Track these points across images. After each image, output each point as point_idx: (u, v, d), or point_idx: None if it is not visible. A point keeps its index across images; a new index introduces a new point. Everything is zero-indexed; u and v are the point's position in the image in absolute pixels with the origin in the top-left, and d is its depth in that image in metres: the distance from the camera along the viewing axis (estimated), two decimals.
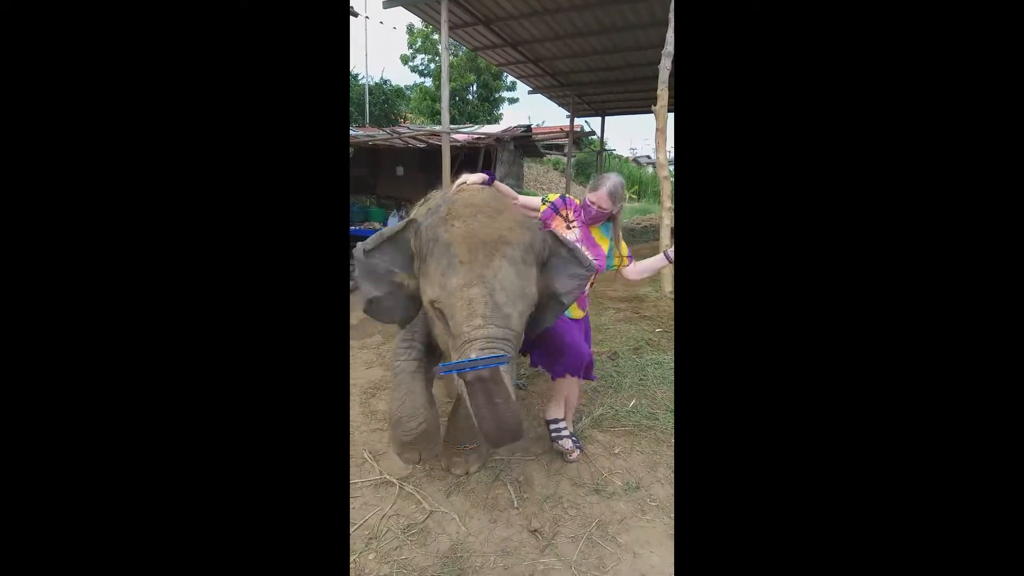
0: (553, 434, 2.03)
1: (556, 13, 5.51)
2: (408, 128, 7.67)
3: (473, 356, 1.21)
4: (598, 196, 1.88)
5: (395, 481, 1.84)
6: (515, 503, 1.75)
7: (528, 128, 8.73)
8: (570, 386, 2.00)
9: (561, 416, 2.03)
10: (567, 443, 2.02)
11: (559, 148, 12.73)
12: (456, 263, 1.31)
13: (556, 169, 15.11)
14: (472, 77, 14.85)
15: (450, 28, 6.01)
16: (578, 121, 9.57)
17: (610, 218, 1.98)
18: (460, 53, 14.16)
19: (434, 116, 15.36)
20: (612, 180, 1.90)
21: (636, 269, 2.06)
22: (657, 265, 2.07)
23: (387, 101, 15.36)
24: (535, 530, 1.62)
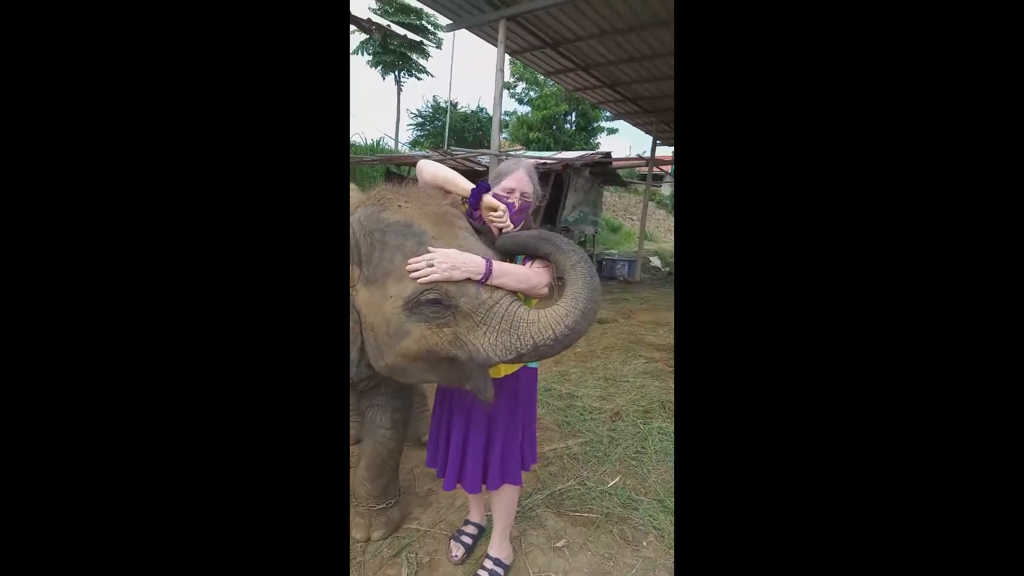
0: (463, 535, 1.60)
1: (628, 33, 5.16)
2: (461, 150, 7.76)
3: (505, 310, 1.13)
4: (516, 179, 1.29)
5: None
6: None
7: (607, 155, 8.37)
8: (499, 496, 1.47)
9: (504, 556, 1.51)
10: (459, 550, 1.55)
11: (657, 179, 12.15)
12: (428, 239, 1.13)
13: (653, 200, 14.53)
14: (565, 106, 14.81)
15: (518, 51, 5.92)
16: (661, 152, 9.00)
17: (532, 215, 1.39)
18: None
19: (531, 143, 15.57)
20: (519, 164, 1.35)
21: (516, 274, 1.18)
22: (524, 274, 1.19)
23: (481, 128, 15.91)
24: None
